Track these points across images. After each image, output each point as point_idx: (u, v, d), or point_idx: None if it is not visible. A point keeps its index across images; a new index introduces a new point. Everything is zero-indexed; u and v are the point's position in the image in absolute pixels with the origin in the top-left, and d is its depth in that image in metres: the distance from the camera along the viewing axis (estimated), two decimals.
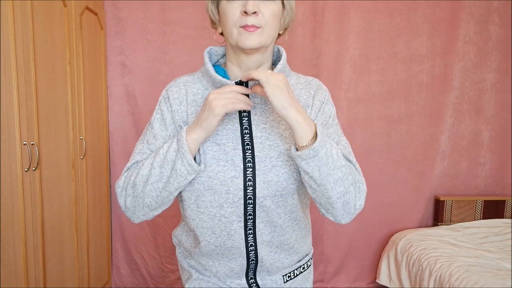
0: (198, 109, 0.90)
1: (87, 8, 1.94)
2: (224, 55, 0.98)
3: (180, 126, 0.91)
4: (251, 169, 0.86)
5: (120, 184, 0.91)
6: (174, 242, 1.09)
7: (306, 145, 0.79)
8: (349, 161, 0.90)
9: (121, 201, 0.91)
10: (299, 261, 1.03)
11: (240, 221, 0.89)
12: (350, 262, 2.51)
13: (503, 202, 2.44)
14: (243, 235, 0.90)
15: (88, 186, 1.97)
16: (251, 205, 0.87)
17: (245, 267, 0.95)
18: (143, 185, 0.86)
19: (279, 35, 0.94)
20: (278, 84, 0.78)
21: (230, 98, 0.81)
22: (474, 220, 2.43)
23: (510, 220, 2.39)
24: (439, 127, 2.42)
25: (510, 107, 2.44)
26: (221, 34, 0.93)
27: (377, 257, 2.50)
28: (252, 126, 0.89)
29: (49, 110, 1.57)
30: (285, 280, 1.01)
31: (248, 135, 0.88)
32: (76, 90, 1.81)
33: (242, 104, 0.82)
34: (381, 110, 2.40)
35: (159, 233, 2.40)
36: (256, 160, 0.87)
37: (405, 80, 2.39)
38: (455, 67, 2.39)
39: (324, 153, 0.79)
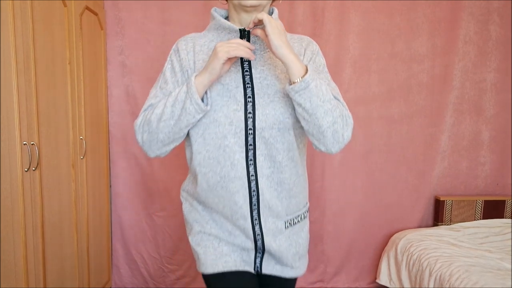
0: (205, 58, 1.05)
1: (87, 8, 1.94)
2: (226, 17, 1.13)
3: (187, 71, 1.05)
4: (251, 103, 1.00)
5: (138, 122, 1.08)
6: (182, 198, 1.20)
7: (298, 81, 0.93)
8: (337, 99, 1.05)
9: (138, 137, 1.09)
10: (298, 211, 1.14)
11: (241, 151, 1.00)
12: (350, 262, 2.51)
13: (503, 202, 2.44)
14: (245, 165, 1.01)
15: (88, 186, 1.97)
16: (251, 136, 1.00)
17: (248, 203, 1.03)
18: (157, 122, 1.01)
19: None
20: (277, 26, 0.94)
21: (233, 46, 0.93)
22: (474, 220, 2.43)
23: (510, 220, 2.39)
24: (439, 127, 2.42)
25: (510, 107, 2.44)
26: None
27: (377, 257, 2.50)
28: (252, 69, 1.03)
29: (49, 110, 1.57)
30: (286, 226, 1.11)
31: (248, 76, 1.02)
32: (76, 90, 1.81)
33: (243, 52, 0.94)
34: (381, 110, 2.40)
35: (159, 233, 2.40)
36: (255, 96, 1.00)
37: (405, 80, 2.39)
38: (455, 67, 2.39)
39: (314, 86, 0.94)
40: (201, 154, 1.04)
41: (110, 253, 2.39)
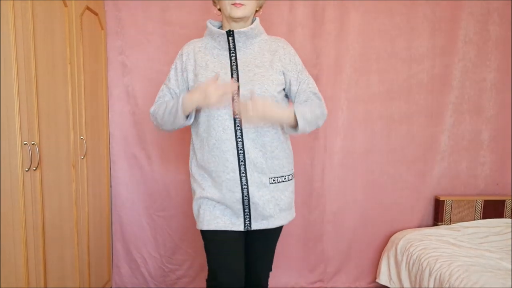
0: (203, 56, 1.44)
1: (88, 8, 1.94)
2: (220, 27, 1.50)
3: (186, 70, 1.45)
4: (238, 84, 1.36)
5: (151, 111, 1.49)
6: (190, 171, 1.50)
7: (296, 131, 1.40)
8: (315, 94, 1.52)
9: (152, 120, 1.51)
10: (282, 172, 1.46)
11: (230, 119, 1.35)
12: (350, 262, 2.51)
13: (503, 202, 2.44)
14: (233, 130, 1.35)
15: (88, 186, 1.97)
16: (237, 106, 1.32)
17: (237, 159, 1.36)
18: (160, 118, 1.43)
19: (256, 11, 1.49)
20: (258, 108, 1.27)
21: (215, 99, 1.28)
22: (474, 220, 2.43)
23: (510, 220, 2.39)
24: (439, 127, 2.43)
25: (510, 107, 2.44)
26: (219, 10, 1.46)
27: (377, 257, 2.50)
28: (238, 60, 1.41)
29: (50, 110, 1.57)
30: (270, 182, 1.42)
31: (235, 65, 1.41)
32: (76, 90, 1.82)
33: (221, 103, 1.32)
34: (381, 110, 2.40)
35: (159, 233, 2.41)
36: (239, 78, 1.38)
37: (405, 80, 2.39)
38: (455, 67, 2.39)
39: (305, 124, 1.38)
40: (204, 124, 1.39)
41: (111, 253, 2.40)
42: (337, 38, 2.32)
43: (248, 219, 1.42)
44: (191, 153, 1.50)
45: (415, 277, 2.02)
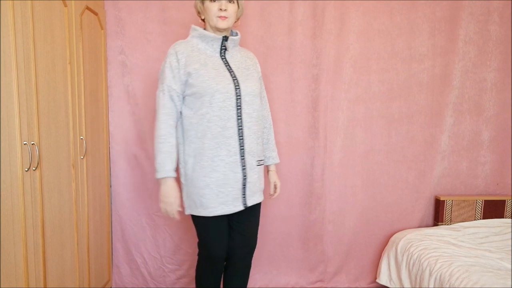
0: (196, 53, 1.61)
1: (87, 8, 1.94)
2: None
3: (185, 66, 1.58)
4: (236, 80, 1.61)
5: (157, 124, 1.59)
6: (184, 163, 1.65)
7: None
8: (266, 100, 1.89)
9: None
10: (262, 156, 1.77)
11: (233, 110, 1.58)
12: (350, 262, 2.51)
13: (503, 202, 2.44)
14: (236, 119, 1.58)
15: (88, 186, 1.97)
16: (239, 100, 1.59)
17: (238, 145, 1.60)
18: (155, 137, 1.59)
19: (235, 22, 1.69)
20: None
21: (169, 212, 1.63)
22: (474, 220, 2.43)
23: (510, 220, 2.39)
24: (439, 127, 2.43)
25: (510, 107, 2.44)
26: (202, 20, 1.70)
27: (377, 257, 2.50)
28: (229, 62, 1.65)
29: (49, 110, 1.57)
30: (257, 164, 1.70)
31: (228, 66, 1.64)
32: (76, 90, 1.82)
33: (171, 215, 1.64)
34: (381, 109, 2.40)
35: (159, 233, 2.41)
36: (236, 76, 1.62)
37: (405, 79, 2.39)
38: (455, 67, 2.39)
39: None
40: (208, 114, 1.56)
41: (111, 253, 2.39)
42: (337, 38, 2.32)
43: (244, 197, 1.66)
44: (183, 146, 1.65)
45: (416, 277, 2.02)
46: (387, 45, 2.35)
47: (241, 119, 1.60)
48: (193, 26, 1.67)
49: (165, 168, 1.55)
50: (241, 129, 1.60)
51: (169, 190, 1.58)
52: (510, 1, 2.37)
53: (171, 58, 1.58)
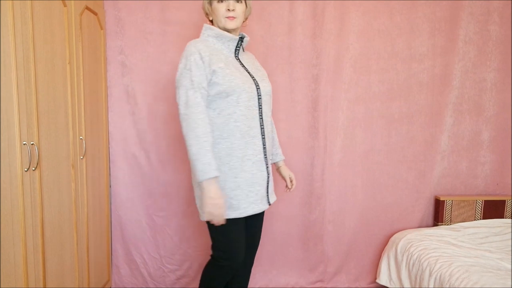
0: (217, 53, 1.56)
1: (87, 8, 1.94)
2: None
3: (210, 64, 1.51)
4: (255, 80, 1.61)
5: (184, 112, 1.49)
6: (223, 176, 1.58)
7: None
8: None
9: (182, 119, 1.51)
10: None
11: (256, 109, 1.59)
12: (350, 262, 2.51)
13: (503, 202, 2.44)
14: (258, 118, 1.59)
15: (88, 186, 1.97)
16: (260, 100, 1.60)
17: (262, 144, 1.61)
18: (191, 133, 1.47)
19: (243, 22, 1.68)
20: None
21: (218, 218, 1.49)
22: (474, 220, 2.43)
23: (510, 220, 2.39)
24: (439, 127, 2.42)
25: (510, 107, 2.44)
26: (210, 21, 1.68)
27: (377, 257, 2.50)
28: (243, 62, 1.66)
29: (49, 110, 1.57)
30: (269, 164, 1.69)
31: (244, 67, 1.64)
32: (76, 90, 1.81)
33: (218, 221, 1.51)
34: (381, 109, 2.40)
35: (159, 233, 2.40)
36: (254, 77, 1.63)
37: (405, 79, 2.39)
38: (455, 67, 2.39)
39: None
40: (236, 114, 1.54)
41: (110, 253, 2.39)
42: (337, 38, 2.32)
43: (267, 195, 1.68)
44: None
45: (415, 278, 2.02)
46: (387, 45, 2.35)
47: (262, 118, 1.60)
48: (206, 25, 1.63)
49: (212, 167, 1.44)
50: (263, 128, 1.61)
51: (218, 191, 1.47)
52: (510, 1, 2.37)
53: (195, 56, 1.50)
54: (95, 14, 2.06)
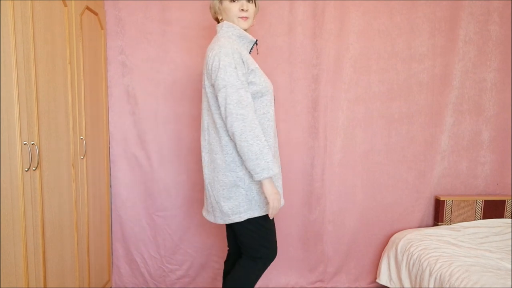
0: (245, 54, 1.53)
1: (88, 8, 1.94)
2: None
3: (246, 64, 1.50)
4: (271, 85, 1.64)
5: (243, 113, 1.44)
6: (241, 181, 1.56)
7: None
8: None
9: (237, 119, 1.45)
10: None
11: (273, 106, 1.61)
12: (350, 262, 2.51)
13: (503, 202, 2.44)
14: (273, 115, 1.61)
15: (88, 186, 1.97)
16: (274, 100, 1.64)
17: (277, 140, 1.67)
18: (249, 133, 1.44)
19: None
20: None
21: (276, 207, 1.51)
22: (474, 220, 2.43)
23: (510, 220, 2.39)
24: (439, 127, 2.43)
25: (510, 107, 2.44)
26: (218, 21, 1.67)
27: (377, 257, 2.50)
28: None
29: (50, 110, 1.57)
30: None
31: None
32: (76, 90, 1.81)
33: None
34: (381, 109, 2.40)
35: (159, 233, 2.41)
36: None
37: (405, 79, 2.39)
38: (455, 67, 2.39)
39: None
40: (269, 113, 1.57)
41: (110, 253, 2.39)
42: (337, 38, 2.32)
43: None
44: (235, 148, 1.57)
45: (416, 277, 2.02)
46: (387, 45, 2.35)
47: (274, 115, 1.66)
48: (228, 23, 1.57)
49: (272, 165, 1.46)
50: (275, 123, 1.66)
51: (274, 185, 1.51)
52: (510, 1, 2.37)
53: (234, 56, 1.46)
54: (96, 14, 2.07)
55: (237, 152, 1.52)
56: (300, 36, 2.31)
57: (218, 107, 1.50)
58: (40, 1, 1.48)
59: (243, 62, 1.48)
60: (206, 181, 1.62)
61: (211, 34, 2.26)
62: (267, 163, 1.44)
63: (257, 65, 1.55)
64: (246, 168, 1.51)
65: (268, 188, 1.48)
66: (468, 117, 2.45)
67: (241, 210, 1.55)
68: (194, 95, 2.32)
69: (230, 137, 1.51)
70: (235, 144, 1.49)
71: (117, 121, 2.31)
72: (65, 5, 1.69)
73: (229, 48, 1.47)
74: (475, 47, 2.39)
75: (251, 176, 1.52)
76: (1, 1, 1.27)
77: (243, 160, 1.47)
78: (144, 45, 2.27)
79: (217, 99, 1.49)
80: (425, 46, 2.37)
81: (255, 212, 1.57)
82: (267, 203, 1.56)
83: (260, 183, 1.53)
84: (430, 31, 2.36)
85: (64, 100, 1.71)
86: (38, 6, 1.47)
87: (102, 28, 2.18)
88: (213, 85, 1.50)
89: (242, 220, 1.56)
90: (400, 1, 2.32)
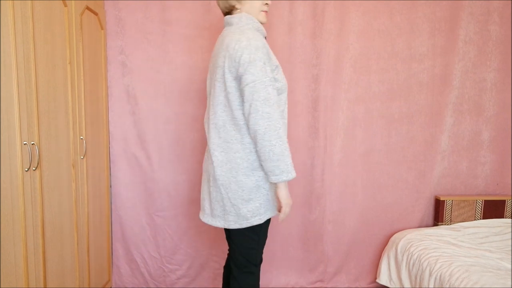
0: (271, 51, 1.50)
1: (88, 8, 1.94)
2: None
3: (271, 60, 1.46)
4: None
5: (270, 111, 1.38)
6: (259, 180, 1.50)
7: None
8: None
9: (263, 117, 1.39)
10: None
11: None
12: (350, 262, 2.51)
13: (503, 202, 2.44)
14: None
15: (88, 186, 1.97)
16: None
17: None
18: (280, 139, 1.40)
19: None
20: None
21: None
22: (474, 220, 2.43)
23: (510, 220, 2.39)
24: (439, 127, 2.43)
25: (510, 107, 2.44)
26: (229, 10, 1.56)
27: (377, 257, 2.50)
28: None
29: (50, 110, 1.57)
30: None
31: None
32: (76, 90, 1.82)
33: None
34: (381, 109, 2.40)
35: (159, 233, 2.41)
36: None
37: (405, 79, 2.39)
38: (455, 67, 2.39)
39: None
40: (284, 111, 1.53)
41: (111, 253, 2.39)
42: (337, 38, 2.32)
43: None
44: (252, 148, 1.50)
45: (416, 277, 2.02)
46: (387, 45, 2.35)
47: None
48: (247, 15, 1.49)
49: (291, 168, 1.42)
50: None
51: (287, 191, 1.48)
52: (510, 1, 2.37)
53: (264, 51, 1.40)
54: (96, 14, 2.07)
55: (250, 152, 1.46)
56: (300, 36, 2.31)
57: (242, 102, 1.41)
58: (40, 1, 1.48)
59: (269, 59, 1.43)
60: (218, 182, 1.48)
61: (211, 34, 2.26)
62: (287, 166, 1.39)
63: (278, 62, 1.51)
64: (264, 168, 1.44)
65: (283, 192, 1.44)
66: (468, 117, 2.45)
67: (261, 212, 1.49)
68: (194, 95, 2.32)
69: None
70: (255, 142, 1.41)
71: (117, 121, 2.31)
72: (65, 5, 1.69)
73: (259, 42, 1.39)
74: (475, 47, 2.39)
75: (267, 177, 1.45)
76: (1, 1, 1.27)
77: (262, 160, 1.40)
78: (144, 45, 2.27)
79: (240, 93, 1.40)
80: (425, 46, 2.37)
81: (272, 213, 1.54)
82: (272, 206, 1.53)
83: (275, 186, 1.49)
84: (430, 31, 2.36)
85: (64, 100, 1.71)
86: (38, 6, 1.47)
87: (102, 28, 2.18)
88: (236, 78, 1.39)
89: (262, 222, 1.50)
90: (400, 1, 2.32)
